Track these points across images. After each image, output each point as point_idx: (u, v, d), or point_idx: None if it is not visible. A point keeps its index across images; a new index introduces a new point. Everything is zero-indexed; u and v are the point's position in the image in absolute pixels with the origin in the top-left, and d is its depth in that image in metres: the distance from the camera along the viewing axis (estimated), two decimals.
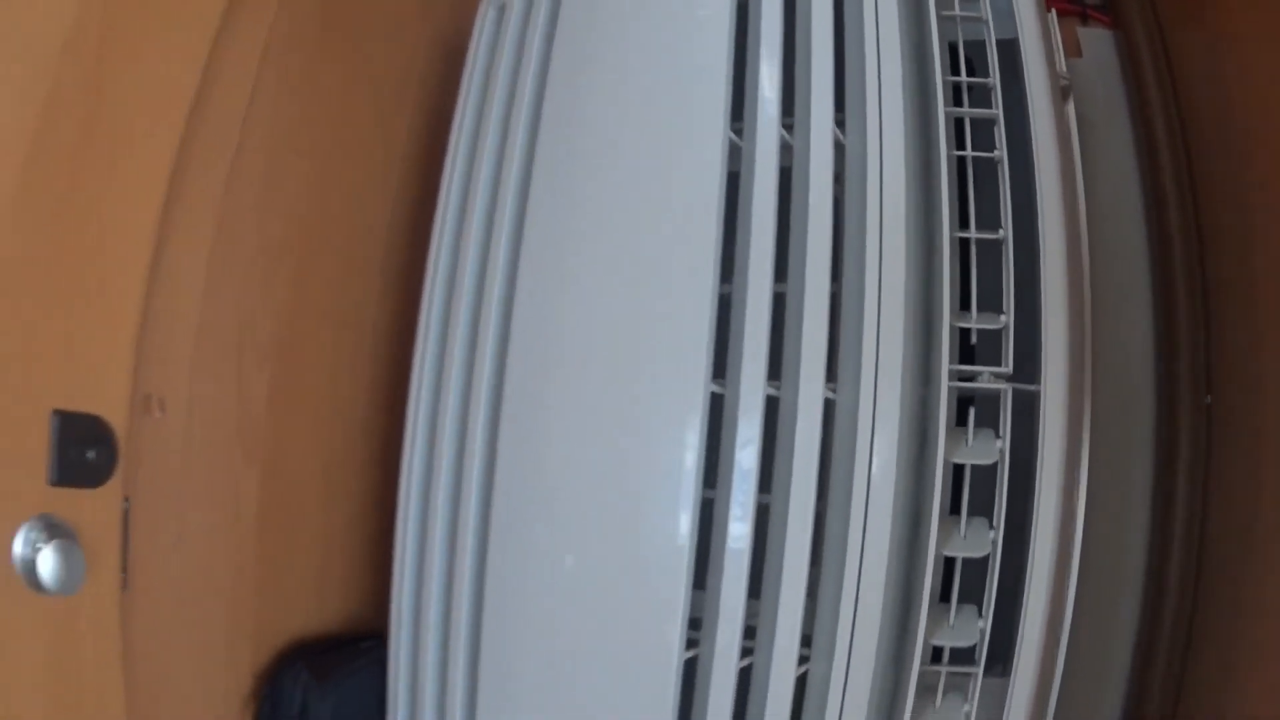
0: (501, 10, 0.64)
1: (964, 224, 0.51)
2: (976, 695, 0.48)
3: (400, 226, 0.73)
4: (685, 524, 0.47)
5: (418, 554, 0.58)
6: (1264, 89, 0.67)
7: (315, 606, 0.68)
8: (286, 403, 0.65)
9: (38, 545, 0.48)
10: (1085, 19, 0.88)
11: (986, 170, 0.52)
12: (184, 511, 0.59)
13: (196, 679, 0.61)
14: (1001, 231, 0.49)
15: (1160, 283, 0.71)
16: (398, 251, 0.72)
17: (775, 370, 0.47)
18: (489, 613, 0.53)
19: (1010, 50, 0.56)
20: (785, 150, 0.50)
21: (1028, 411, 0.48)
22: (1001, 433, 0.47)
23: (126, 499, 0.54)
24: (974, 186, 0.52)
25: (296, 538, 0.67)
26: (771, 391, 0.47)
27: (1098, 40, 0.85)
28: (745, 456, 0.47)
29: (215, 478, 0.60)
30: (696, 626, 0.48)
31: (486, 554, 0.53)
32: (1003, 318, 0.48)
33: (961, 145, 0.53)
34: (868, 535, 0.46)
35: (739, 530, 0.47)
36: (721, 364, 0.47)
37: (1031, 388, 0.47)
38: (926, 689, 0.49)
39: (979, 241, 0.50)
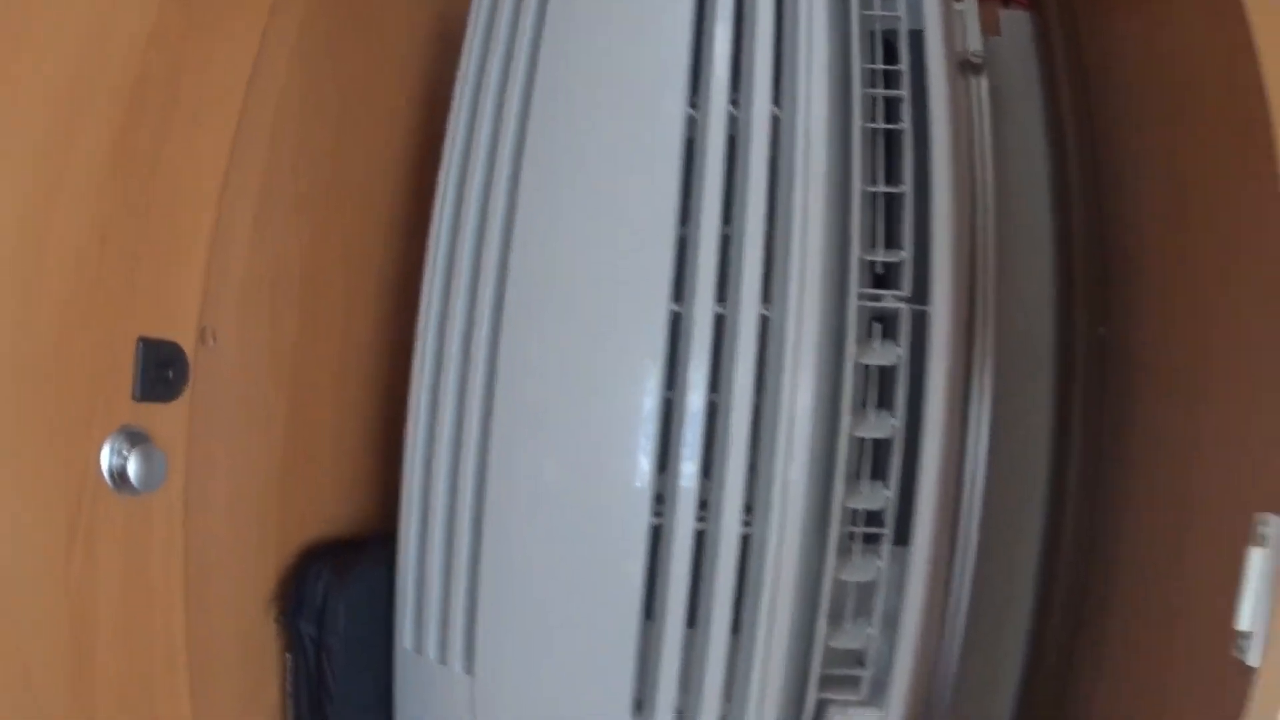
0: None
1: (877, 181, 0.67)
2: (887, 551, 0.63)
3: (406, 180, 0.87)
4: (651, 424, 0.62)
5: (425, 463, 0.72)
6: (1152, 64, 0.82)
7: (330, 513, 0.81)
8: (310, 335, 0.78)
9: (123, 452, 0.62)
10: (1007, 2, 1.03)
11: (896, 138, 0.67)
12: (226, 429, 0.72)
13: (233, 579, 0.73)
14: (903, 186, 0.64)
15: (1061, 228, 0.86)
16: (404, 202, 0.86)
17: (722, 294, 0.62)
18: (490, 510, 0.67)
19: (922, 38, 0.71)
20: (732, 122, 0.65)
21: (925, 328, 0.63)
22: (900, 342, 0.62)
23: None
24: (885, 151, 0.67)
25: (315, 453, 0.80)
26: (719, 310, 0.61)
27: (1016, 21, 1.00)
28: (695, 377, 0.62)
29: (252, 400, 0.73)
30: (660, 501, 0.63)
31: (487, 461, 0.67)
32: (902, 253, 0.63)
33: (877, 119, 0.68)
34: (795, 423, 0.61)
35: (689, 469, 0.62)
36: (680, 290, 0.62)
37: (923, 308, 0.63)
38: (846, 551, 0.64)
39: (886, 194, 0.65)
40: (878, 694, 0.64)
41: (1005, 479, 0.80)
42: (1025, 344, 0.82)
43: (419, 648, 0.71)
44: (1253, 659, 0.47)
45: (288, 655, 0.74)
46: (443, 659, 0.69)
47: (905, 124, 0.66)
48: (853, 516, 0.64)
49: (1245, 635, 0.48)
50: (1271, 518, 0.47)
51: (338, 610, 0.71)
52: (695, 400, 0.62)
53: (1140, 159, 0.82)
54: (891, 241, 0.65)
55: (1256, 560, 0.47)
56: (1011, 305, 0.76)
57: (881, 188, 0.65)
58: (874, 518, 0.63)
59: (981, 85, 0.79)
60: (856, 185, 0.64)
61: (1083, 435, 0.83)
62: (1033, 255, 0.84)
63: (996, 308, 0.71)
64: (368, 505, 0.84)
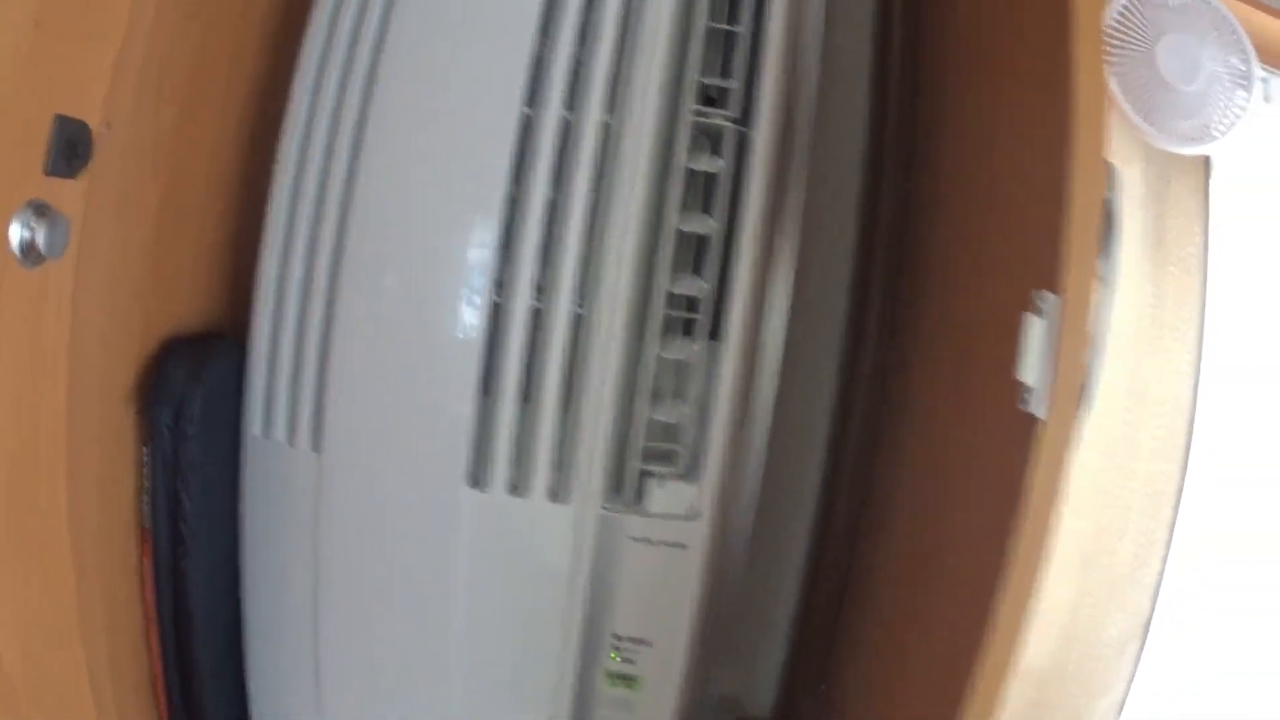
0: None
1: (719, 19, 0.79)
2: (704, 337, 0.74)
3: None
4: (497, 214, 0.73)
5: (284, 243, 0.81)
6: None
7: (190, 310, 0.88)
8: (186, 134, 0.85)
9: (31, 225, 0.69)
10: None
11: None
12: (107, 216, 0.80)
13: (101, 369, 0.79)
14: (740, 26, 0.77)
15: (877, 85, 1.03)
16: (283, 15, 0.94)
17: (572, 103, 0.74)
18: (342, 291, 0.76)
19: None
20: None
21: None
22: (724, 156, 0.75)
23: None
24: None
25: (179, 247, 0.87)
26: (566, 115, 0.73)
27: None
28: (540, 173, 0.73)
29: (130, 192, 0.79)
30: (501, 286, 0.74)
31: (343, 245, 0.77)
32: (733, 81, 0.76)
33: None
34: (629, 219, 0.73)
35: (529, 254, 0.73)
36: (532, 97, 0.74)
37: (746, 129, 0.75)
38: (667, 333, 0.75)
39: (726, 32, 0.78)
40: (693, 470, 0.75)
41: (810, 291, 0.92)
42: (836, 177, 0.98)
43: (267, 432, 0.79)
44: (1038, 411, 0.59)
45: (145, 449, 0.82)
46: (291, 440, 0.78)
47: None
48: (671, 304, 0.76)
49: (1029, 389, 0.60)
50: (1048, 294, 0.60)
51: (195, 396, 0.79)
52: (538, 194, 0.73)
53: (948, 30, 0.97)
54: (727, 72, 0.78)
55: (1036, 325, 0.60)
56: (825, 160, 0.91)
57: (725, 25, 0.78)
58: (692, 310, 0.76)
59: None
60: (701, 21, 0.77)
61: (883, 266, 0.98)
62: (849, 103, 1.01)
63: (810, 155, 0.84)
64: (223, 306, 0.92)
